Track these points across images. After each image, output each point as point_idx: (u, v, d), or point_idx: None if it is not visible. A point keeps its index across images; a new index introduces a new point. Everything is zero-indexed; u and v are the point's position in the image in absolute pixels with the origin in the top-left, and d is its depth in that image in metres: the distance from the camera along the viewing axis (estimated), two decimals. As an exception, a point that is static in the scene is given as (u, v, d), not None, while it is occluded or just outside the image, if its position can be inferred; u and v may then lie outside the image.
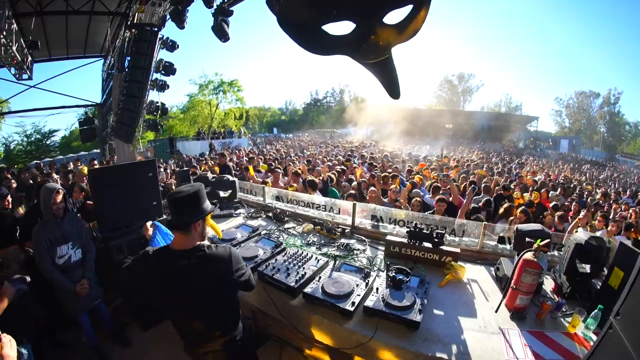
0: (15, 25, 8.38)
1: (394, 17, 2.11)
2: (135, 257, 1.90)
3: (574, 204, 6.88)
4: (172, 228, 1.87)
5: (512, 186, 7.89)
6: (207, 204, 1.91)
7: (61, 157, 22.89)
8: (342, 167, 8.58)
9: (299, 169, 7.68)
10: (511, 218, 4.75)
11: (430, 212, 4.87)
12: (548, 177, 12.26)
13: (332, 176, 6.88)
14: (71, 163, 10.53)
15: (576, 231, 5.15)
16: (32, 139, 29.93)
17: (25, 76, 10.46)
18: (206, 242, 1.89)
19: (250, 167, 7.43)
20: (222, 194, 4.53)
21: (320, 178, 6.53)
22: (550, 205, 6.59)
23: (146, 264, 1.83)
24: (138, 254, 1.89)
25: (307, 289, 2.36)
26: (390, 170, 8.65)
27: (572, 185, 10.92)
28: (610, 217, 5.97)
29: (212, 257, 1.80)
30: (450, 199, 5.66)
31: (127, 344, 3.72)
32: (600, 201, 8.68)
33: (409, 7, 2.07)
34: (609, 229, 5.01)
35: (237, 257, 1.92)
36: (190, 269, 1.75)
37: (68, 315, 3.39)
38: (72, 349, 3.61)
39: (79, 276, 3.27)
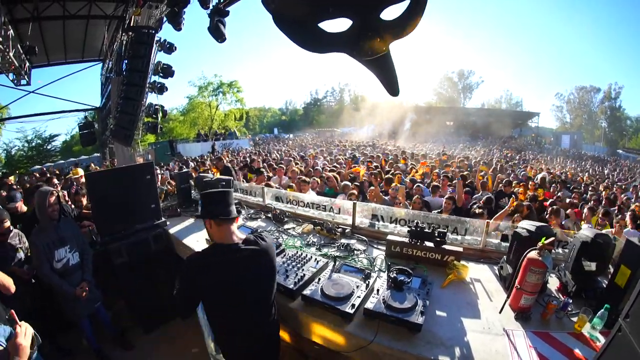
0: (12, 31, 8.37)
1: (391, 13, 2.08)
2: (184, 263, 1.92)
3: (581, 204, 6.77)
4: (222, 218, 1.90)
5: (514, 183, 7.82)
6: None
7: (62, 161, 23.00)
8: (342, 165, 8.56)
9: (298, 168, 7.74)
10: (516, 215, 4.67)
11: (438, 211, 4.82)
12: (549, 173, 12.17)
13: (336, 176, 6.83)
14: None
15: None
16: (33, 144, 30.14)
17: (23, 82, 10.48)
18: (250, 235, 1.99)
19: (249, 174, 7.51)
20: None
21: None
22: (548, 202, 6.50)
23: (199, 263, 1.88)
24: (186, 260, 1.91)
25: (306, 291, 2.32)
26: (388, 168, 8.63)
27: (575, 180, 10.86)
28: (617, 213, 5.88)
29: (263, 248, 1.95)
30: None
31: (129, 347, 3.71)
32: (604, 196, 8.57)
33: (406, 3, 2.04)
34: (614, 230, 4.92)
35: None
36: (244, 260, 1.88)
37: (68, 319, 3.37)
38: (73, 353, 3.59)
39: (77, 280, 3.26)
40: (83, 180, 6.90)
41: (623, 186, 10.71)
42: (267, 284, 2.02)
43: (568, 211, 5.75)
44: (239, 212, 4.31)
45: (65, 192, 5.23)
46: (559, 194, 7.63)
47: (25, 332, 1.64)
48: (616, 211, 6.07)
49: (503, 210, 4.68)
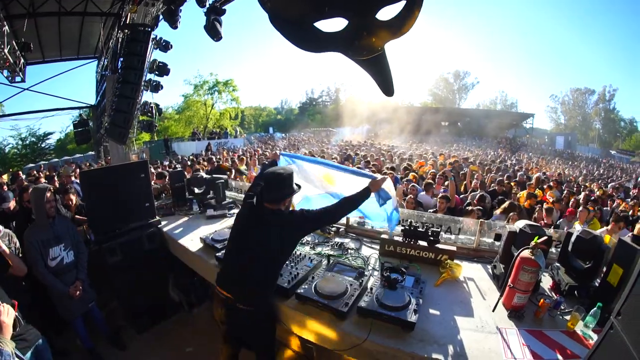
0: (6, 27, 8.28)
1: (386, 13, 2.08)
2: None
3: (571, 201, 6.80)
4: (266, 202, 2.20)
5: (510, 183, 7.84)
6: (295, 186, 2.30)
7: (56, 159, 22.76)
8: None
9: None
10: (511, 214, 4.68)
11: (432, 210, 4.83)
12: (544, 174, 12.23)
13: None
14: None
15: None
16: (27, 142, 29.78)
17: (18, 79, 10.34)
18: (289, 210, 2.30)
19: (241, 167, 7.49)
20: (196, 190, 4.61)
21: None
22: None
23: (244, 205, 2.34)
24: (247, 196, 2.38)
25: (300, 290, 2.32)
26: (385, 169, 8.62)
27: (567, 180, 10.94)
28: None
29: (287, 220, 2.21)
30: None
31: (122, 347, 3.68)
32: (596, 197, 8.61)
33: (402, 3, 2.04)
34: (609, 227, 4.93)
35: (305, 217, 2.26)
36: (267, 223, 2.16)
37: (61, 318, 3.33)
38: (66, 352, 3.55)
39: (71, 278, 3.22)
40: (72, 179, 6.85)
41: (617, 186, 10.78)
42: (275, 248, 2.17)
43: (546, 206, 5.74)
44: (228, 208, 4.39)
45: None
46: (549, 192, 7.64)
47: (8, 312, 1.81)
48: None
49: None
